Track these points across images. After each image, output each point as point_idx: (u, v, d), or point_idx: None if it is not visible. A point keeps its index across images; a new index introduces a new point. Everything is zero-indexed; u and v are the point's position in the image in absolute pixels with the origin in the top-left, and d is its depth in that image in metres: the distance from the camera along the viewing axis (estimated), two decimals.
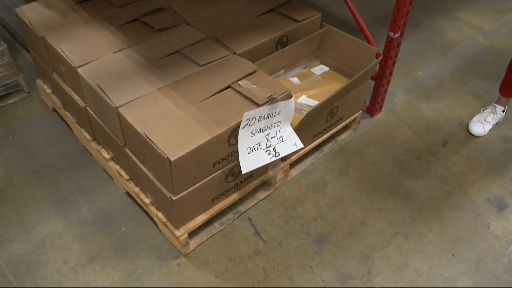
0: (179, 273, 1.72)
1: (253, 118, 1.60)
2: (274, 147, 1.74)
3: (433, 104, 2.49)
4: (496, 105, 2.34)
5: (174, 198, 1.57)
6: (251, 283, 1.70)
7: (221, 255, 1.78)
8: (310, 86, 2.12)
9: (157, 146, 1.48)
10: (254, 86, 1.70)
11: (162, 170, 1.53)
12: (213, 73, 1.78)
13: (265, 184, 1.99)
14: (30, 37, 2.10)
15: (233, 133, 1.59)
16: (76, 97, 1.95)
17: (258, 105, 1.63)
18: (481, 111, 2.36)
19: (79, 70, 1.78)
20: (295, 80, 2.17)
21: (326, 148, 2.20)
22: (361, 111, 2.25)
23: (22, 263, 1.74)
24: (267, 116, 1.65)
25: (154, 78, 1.75)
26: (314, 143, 2.08)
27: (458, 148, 2.24)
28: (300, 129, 1.84)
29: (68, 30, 1.98)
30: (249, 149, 1.66)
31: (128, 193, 1.96)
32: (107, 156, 1.96)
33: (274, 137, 1.73)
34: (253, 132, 1.64)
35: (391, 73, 2.24)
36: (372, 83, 2.29)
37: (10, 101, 2.41)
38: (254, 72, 1.79)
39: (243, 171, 1.65)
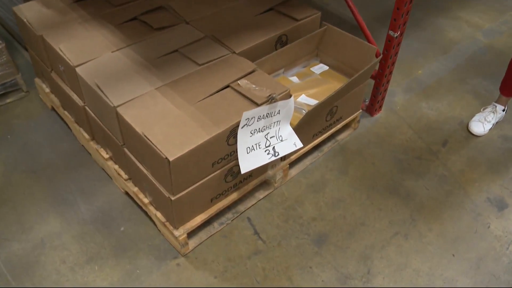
0: (178, 273, 1.71)
1: (252, 118, 1.59)
2: (274, 147, 1.73)
3: (433, 103, 2.48)
4: (496, 104, 2.33)
5: (173, 198, 1.56)
6: (251, 283, 1.70)
7: (220, 255, 1.77)
8: (309, 85, 2.11)
9: (155, 146, 1.47)
10: (253, 86, 1.69)
11: (161, 170, 1.52)
12: (212, 72, 1.77)
13: (265, 184, 1.99)
14: (28, 36, 2.09)
15: (232, 133, 1.59)
16: (74, 96, 1.94)
17: (257, 105, 1.63)
18: (481, 110, 2.35)
19: (77, 69, 1.77)
20: (294, 79, 2.16)
21: (326, 148, 2.19)
22: (361, 110, 2.24)
23: (21, 263, 1.74)
24: (266, 115, 1.64)
25: (153, 78, 1.74)
26: (314, 143, 2.07)
27: (458, 148, 2.24)
28: (300, 129, 1.83)
29: (67, 29, 1.97)
30: (248, 149, 1.65)
31: (127, 193, 1.95)
32: (106, 156, 1.95)
33: (274, 136, 1.73)
34: (252, 132, 1.63)
35: (391, 72, 2.23)
36: (372, 82, 2.28)
37: (8, 100, 2.40)
38: (253, 71, 1.78)
39: (242, 171, 1.64)
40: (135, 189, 1.83)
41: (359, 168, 2.12)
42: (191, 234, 1.79)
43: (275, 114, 1.67)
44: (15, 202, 1.94)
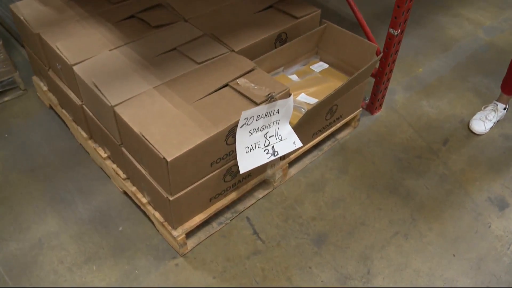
0: (177, 274, 1.70)
1: (251, 117, 1.58)
2: (273, 146, 1.71)
3: (433, 102, 2.47)
4: (497, 102, 2.31)
5: (171, 199, 1.55)
6: (250, 283, 1.68)
7: (219, 255, 1.76)
8: (309, 84, 2.10)
9: (153, 146, 1.46)
10: (252, 85, 1.67)
11: (159, 170, 1.51)
12: (211, 71, 1.75)
13: (264, 183, 1.97)
14: (26, 34, 2.07)
15: (231, 133, 1.57)
16: (72, 95, 1.92)
17: (256, 104, 1.61)
18: (482, 108, 2.34)
19: (74, 68, 1.75)
20: (294, 77, 2.15)
21: (326, 147, 2.17)
22: (361, 109, 2.22)
23: (18, 263, 1.72)
24: (265, 115, 1.63)
25: (151, 76, 1.72)
26: (314, 142, 2.05)
27: (459, 146, 2.22)
28: (299, 128, 1.82)
29: (64, 27, 1.95)
30: (247, 148, 1.63)
31: (125, 192, 1.94)
32: (104, 155, 1.93)
33: (273, 136, 1.71)
34: (251, 131, 1.62)
35: (391, 70, 2.22)
36: (372, 80, 2.26)
37: (6, 99, 2.39)
38: (252, 70, 1.76)
39: (241, 171, 1.63)
40: (133, 188, 1.82)
41: (359, 167, 2.11)
42: (189, 234, 1.78)
43: (274, 113, 1.66)
44: (13, 201, 1.93)
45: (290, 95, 1.70)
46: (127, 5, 2.08)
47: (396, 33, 2.00)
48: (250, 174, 1.82)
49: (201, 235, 1.81)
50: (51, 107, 2.31)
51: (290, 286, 1.68)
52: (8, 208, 1.91)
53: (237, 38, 1.93)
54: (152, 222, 1.83)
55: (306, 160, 2.11)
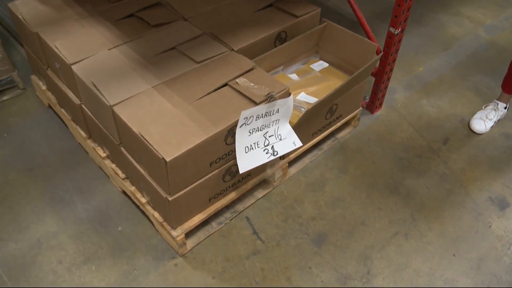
0: (176, 274, 1.70)
1: (250, 117, 1.57)
2: (272, 146, 1.71)
3: (434, 101, 2.46)
4: (498, 101, 2.30)
5: (170, 199, 1.54)
6: (249, 283, 1.68)
7: (218, 255, 1.75)
8: (309, 83, 2.09)
9: (152, 146, 1.45)
10: (252, 84, 1.67)
11: (158, 170, 1.50)
12: (210, 70, 1.74)
13: (264, 183, 1.97)
14: (24, 33, 2.06)
15: (230, 132, 1.56)
16: (71, 94, 1.92)
17: (256, 103, 1.60)
18: (483, 107, 2.33)
19: (73, 67, 1.74)
20: (294, 76, 2.14)
21: (326, 146, 2.17)
22: (361, 108, 2.22)
23: (17, 263, 1.72)
24: (265, 114, 1.62)
25: (150, 76, 1.71)
26: (313, 141, 2.05)
27: (459, 146, 2.21)
28: (299, 127, 1.81)
29: (63, 26, 1.94)
30: (246, 148, 1.63)
31: (124, 192, 1.93)
32: (103, 154, 1.93)
33: (272, 135, 1.70)
34: (251, 131, 1.61)
35: (391, 69, 2.21)
36: (372, 79, 2.25)
37: (5, 98, 2.38)
38: (252, 69, 1.75)
39: (241, 171, 1.62)
40: (132, 188, 1.81)
41: (359, 166, 2.10)
42: (189, 234, 1.77)
43: (274, 112, 1.65)
44: (11, 201, 1.92)
45: (289, 94, 1.69)
46: (126, 4, 2.07)
47: (396, 32, 1.99)
48: (250, 173, 1.81)
49: (201, 235, 1.80)
50: (50, 106, 2.30)
51: (289, 286, 1.67)
52: (7, 208, 1.90)
53: (237, 37, 1.92)
54: (151, 222, 1.82)
55: (306, 160, 2.10)
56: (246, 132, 1.60)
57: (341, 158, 2.13)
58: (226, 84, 1.69)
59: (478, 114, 2.30)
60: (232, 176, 1.73)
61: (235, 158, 1.64)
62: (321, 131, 2.05)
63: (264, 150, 1.68)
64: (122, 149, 1.71)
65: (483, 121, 2.26)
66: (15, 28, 2.29)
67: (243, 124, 1.56)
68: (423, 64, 2.69)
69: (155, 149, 1.44)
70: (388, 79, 2.25)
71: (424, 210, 1.93)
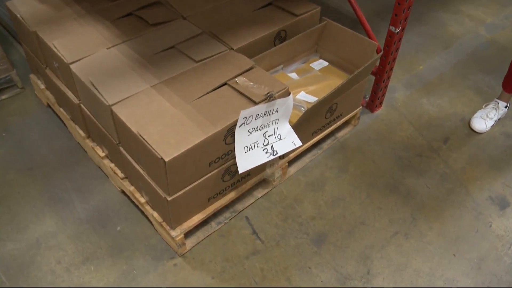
0: (175, 274, 1.69)
1: (250, 116, 1.56)
2: (272, 146, 1.70)
3: (434, 100, 2.45)
4: (498, 100, 2.29)
5: (169, 199, 1.53)
6: (249, 283, 1.67)
7: (218, 255, 1.75)
8: (309, 82, 2.08)
9: (151, 146, 1.44)
10: (251, 83, 1.66)
11: (157, 170, 1.49)
12: (209, 69, 1.73)
13: (263, 183, 1.96)
14: (22, 32, 2.05)
15: (230, 132, 1.55)
16: (69, 94, 1.91)
17: (255, 103, 1.59)
18: (483, 107, 2.32)
19: (71, 66, 1.73)
20: (293, 75, 2.13)
21: (325, 145, 2.16)
22: (361, 107, 2.21)
23: (16, 263, 1.71)
24: (264, 114, 1.61)
25: (149, 75, 1.71)
26: (313, 140, 2.04)
27: (460, 145, 2.21)
28: (299, 127, 1.80)
29: (61, 24, 1.93)
30: (246, 148, 1.62)
31: (123, 192, 1.92)
32: (102, 154, 1.92)
33: (272, 135, 1.69)
34: (250, 131, 1.60)
35: (391, 68, 2.20)
36: (372, 78, 2.25)
37: (3, 97, 2.37)
38: (251, 68, 1.74)
39: (240, 171, 1.61)
40: (131, 188, 1.80)
41: (359, 165, 2.09)
42: (188, 233, 1.76)
43: (274, 112, 1.64)
44: (10, 201, 1.92)
45: (289, 93, 1.68)
46: (125, 3, 2.06)
47: (396, 31, 1.98)
48: (249, 173, 1.81)
49: (200, 234, 1.79)
50: (48, 106, 2.29)
51: (289, 286, 1.67)
52: (6, 207, 1.89)
53: (236, 36, 1.91)
54: (151, 222, 1.81)
55: (306, 159, 2.09)
56: (245, 131, 1.59)
57: (341, 157, 2.12)
58: (225, 84, 1.68)
59: (479, 113, 2.29)
60: (232, 176, 1.72)
61: (234, 157, 1.63)
62: (321, 130, 2.04)
63: (263, 150, 1.68)
64: (121, 148, 1.70)
65: (484, 120, 2.25)
66: (13, 27, 2.29)
67: (242, 124, 1.55)
68: (424, 63, 2.68)
69: (154, 149, 1.43)
70: (388, 78, 2.24)
71: (424, 209, 1.92)
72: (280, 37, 2.03)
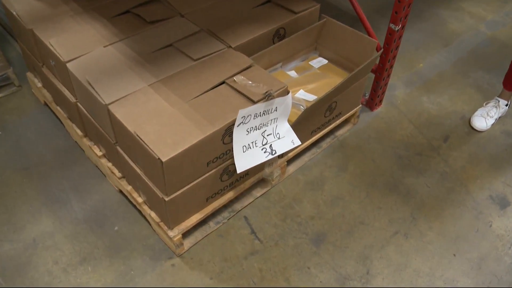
0: (173, 274, 1.68)
1: (248, 116, 1.54)
2: (271, 145, 1.68)
3: (434, 98, 2.43)
4: (499, 99, 2.28)
5: (166, 199, 1.52)
6: (247, 284, 1.66)
7: (216, 255, 1.73)
8: (308, 80, 2.06)
9: (148, 146, 1.42)
10: (250, 82, 1.64)
11: (154, 170, 1.48)
12: (207, 68, 1.71)
13: (262, 182, 1.94)
14: (18, 30, 2.03)
15: (228, 131, 1.54)
16: (66, 92, 1.89)
17: (254, 102, 1.58)
18: (484, 105, 2.30)
19: (68, 65, 1.71)
20: (292, 73, 2.11)
21: (325, 144, 2.14)
22: (360, 105, 2.19)
23: (12, 264, 1.70)
24: (263, 113, 1.59)
25: (146, 74, 1.69)
26: (312, 139, 2.02)
27: (460, 143, 2.19)
28: (298, 125, 1.78)
29: (58, 22, 1.91)
30: (244, 147, 1.60)
31: (121, 191, 1.91)
32: (99, 153, 1.90)
33: (271, 134, 1.68)
34: (249, 130, 1.58)
35: (391, 66, 2.18)
36: (372, 75, 2.23)
37: (0, 95, 2.35)
38: (249, 66, 1.73)
39: (238, 171, 1.60)
40: (129, 187, 1.79)
41: (359, 164, 2.07)
42: (186, 233, 1.75)
43: (272, 111, 1.62)
44: (7, 200, 1.90)
45: (288, 92, 1.66)
46: (122, 0, 2.04)
47: (396, 29, 1.96)
48: (248, 172, 1.79)
49: (198, 234, 1.78)
50: (46, 104, 2.27)
51: (288, 286, 1.66)
52: (2, 207, 1.88)
53: (235, 33, 1.89)
54: (148, 222, 1.80)
55: (305, 158, 2.08)
56: (243, 131, 1.57)
57: (341, 156, 2.11)
58: (223, 82, 1.66)
59: (479, 111, 2.28)
60: (230, 176, 1.70)
61: (232, 157, 1.62)
62: (320, 129, 2.02)
63: (262, 149, 1.66)
64: (118, 148, 1.68)
65: (484, 119, 2.24)
66: (10, 24, 2.26)
67: (240, 123, 1.54)
68: (424, 60, 2.66)
69: (151, 149, 1.42)
70: (388, 75, 2.22)
71: (424, 209, 1.91)
72: (279, 35, 2.01)
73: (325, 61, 2.19)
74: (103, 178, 1.98)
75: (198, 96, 1.61)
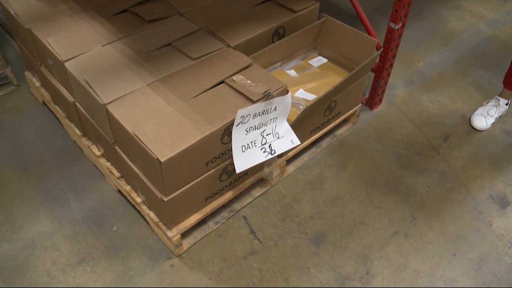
0: (172, 275, 1.67)
1: (247, 115, 1.53)
2: (270, 145, 1.67)
3: (434, 97, 2.42)
4: (499, 98, 2.27)
5: (165, 199, 1.51)
6: (246, 284, 1.65)
7: (215, 255, 1.72)
8: (307, 79, 2.05)
9: (146, 146, 1.41)
10: (249, 81, 1.63)
11: (153, 170, 1.47)
12: (206, 67, 1.70)
13: (261, 181, 1.93)
14: (16, 28, 2.02)
15: (227, 131, 1.53)
16: (64, 92, 1.88)
17: (253, 102, 1.57)
18: (484, 104, 2.29)
19: (66, 64, 1.70)
20: (292, 72, 2.10)
21: (324, 143, 2.13)
22: (360, 104, 2.18)
23: (10, 264, 1.69)
24: (262, 112, 1.58)
25: (145, 73, 1.68)
26: (312, 138, 2.01)
27: (460, 143, 2.18)
28: (297, 125, 1.77)
29: (56, 21, 1.90)
30: (243, 147, 1.59)
31: (119, 191, 1.90)
32: (98, 153, 1.89)
33: (270, 134, 1.67)
34: (248, 130, 1.58)
35: (391, 65, 2.17)
36: (372, 74, 2.22)
37: None
38: (249, 66, 1.72)
39: (237, 171, 1.59)
40: (128, 187, 1.78)
41: (358, 164, 2.07)
42: (185, 233, 1.74)
43: (272, 111, 1.62)
44: (5, 200, 1.89)
45: (287, 92, 1.65)
46: None
47: (396, 27, 1.95)
48: (247, 172, 1.78)
49: (197, 234, 1.77)
50: (44, 103, 2.26)
51: (287, 287, 1.65)
52: (0, 207, 1.87)
53: (234, 32, 1.88)
54: (147, 222, 1.79)
55: (304, 157, 2.07)
56: (242, 131, 1.56)
57: (340, 155, 2.10)
58: (222, 82, 1.65)
59: (479, 111, 2.27)
60: (229, 175, 1.70)
61: (231, 157, 1.61)
62: (319, 128, 2.01)
63: (261, 149, 1.65)
64: (117, 148, 1.67)
65: (484, 118, 2.23)
66: (8, 23, 2.25)
67: (239, 123, 1.53)
68: (424, 59, 2.65)
69: (149, 149, 1.41)
70: (388, 74, 2.21)
71: (424, 208, 1.90)
72: (278, 34, 2.00)
73: (325, 60, 2.18)
74: (102, 178, 1.97)
75: (197, 95, 1.60)
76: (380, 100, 2.33)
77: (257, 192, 1.92)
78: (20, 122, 2.21)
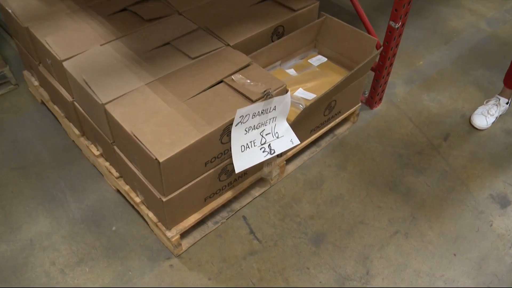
0: (171, 275, 1.66)
1: (246, 115, 1.53)
2: (269, 144, 1.66)
3: (434, 96, 2.41)
4: (499, 97, 2.26)
5: (164, 200, 1.50)
6: (246, 284, 1.65)
7: (214, 255, 1.72)
8: (307, 78, 2.04)
9: (145, 146, 1.41)
10: (248, 81, 1.62)
11: (151, 170, 1.46)
12: (205, 66, 1.69)
13: (261, 181, 1.93)
14: (14, 28, 2.01)
15: (226, 131, 1.52)
16: (63, 91, 1.87)
17: (252, 101, 1.56)
18: (484, 103, 2.28)
19: (64, 63, 1.69)
20: (291, 71, 2.09)
21: (324, 143, 2.12)
22: (360, 104, 2.17)
23: (9, 265, 1.68)
24: (261, 112, 1.57)
25: (143, 72, 1.67)
26: (311, 138, 2.00)
27: (460, 142, 2.17)
28: (297, 124, 1.77)
29: (54, 20, 1.89)
30: (242, 147, 1.58)
31: (118, 191, 1.89)
32: (97, 153, 1.88)
33: (269, 133, 1.66)
34: (247, 130, 1.57)
35: (391, 64, 2.16)
36: (372, 73, 2.21)
37: None
38: (248, 65, 1.71)
39: (237, 171, 1.58)
40: (127, 187, 1.77)
41: (358, 163, 2.06)
42: (184, 234, 1.73)
43: (271, 110, 1.61)
44: (3, 200, 1.88)
45: (287, 91, 1.64)
46: None
47: (396, 26, 1.94)
48: (246, 172, 1.77)
49: (196, 234, 1.77)
50: (43, 103, 2.25)
51: (287, 287, 1.64)
52: None
53: (233, 31, 1.87)
54: (146, 222, 1.78)
55: (304, 157, 2.06)
56: (242, 130, 1.55)
57: (340, 155, 2.09)
58: (221, 81, 1.64)
59: (480, 110, 2.26)
60: (228, 175, 1.69)
61: (231, 156, 1.60)
62: (319, 127, 2.00)
63: (260, 149, 1.64)
64: (115, 147, 1.66)
65: (485, 117, 2.22)
66: (6, 22, 2.24)
67: (239, 123, 1.52)
68: (424, 58, 2.64)
69: (148, 149, 1.40)
70: (388, 74, 2.20)
71: (424, 208, 1.89)
72: (277, 33, 1.99)
73: (325, 59, 2.17)
74: (101, 177, 1.97)
75: (195, 95, 1.59)
76: (380, 99, 2.33)
77: (256, 192, 1.91)
78: (19, 122, 2.20)
